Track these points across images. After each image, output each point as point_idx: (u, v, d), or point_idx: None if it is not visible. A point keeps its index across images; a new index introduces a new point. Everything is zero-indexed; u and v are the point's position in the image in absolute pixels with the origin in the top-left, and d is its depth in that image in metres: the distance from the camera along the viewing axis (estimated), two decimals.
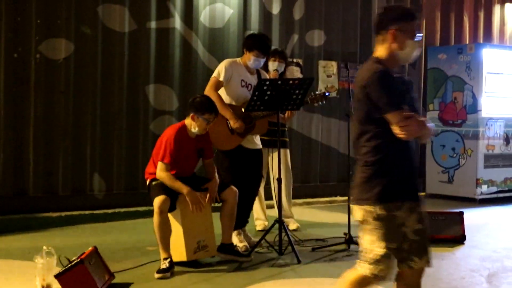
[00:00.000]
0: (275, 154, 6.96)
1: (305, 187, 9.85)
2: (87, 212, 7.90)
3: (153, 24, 8.54)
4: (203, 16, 8.93)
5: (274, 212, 6.83)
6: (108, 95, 8.27)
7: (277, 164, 6.38)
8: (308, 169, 9.96)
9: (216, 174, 5.78)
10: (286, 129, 7.44)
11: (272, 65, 7.07)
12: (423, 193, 10.82)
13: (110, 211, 8.03)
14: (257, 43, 6.25)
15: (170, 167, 5.45)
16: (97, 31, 8.16)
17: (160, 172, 5.45)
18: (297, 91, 6.03)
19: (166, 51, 8.64)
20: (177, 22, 8.72)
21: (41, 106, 7.82)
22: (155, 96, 8.59)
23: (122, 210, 8.08)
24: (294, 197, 9.32)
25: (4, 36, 7.58)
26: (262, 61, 6.36)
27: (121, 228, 7.39)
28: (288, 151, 7.46)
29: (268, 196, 7.56)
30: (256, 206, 7.22)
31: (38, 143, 7.82)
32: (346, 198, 9.63)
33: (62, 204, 7.92)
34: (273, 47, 7.77)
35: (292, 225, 7.31)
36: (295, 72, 9.57)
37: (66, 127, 8.01)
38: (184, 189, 5.41)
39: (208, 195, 5.60)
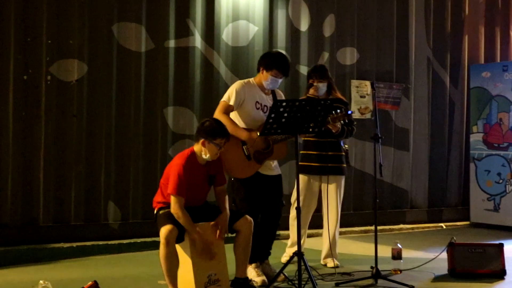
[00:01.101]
0: (329, 185, 6.71)
1: None
2: (100, 242, 7.62)
3: (171, 43, 8.25)
4: (226, 33, 8.60)
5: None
6: (124, 119, 8.01)
7: (332, 194, 6.58)
8: None
9: (227, 205, 5.43)
10: (343, 154, 6.87)
11: (313, 88, 6.62)
12: (467, 222, 10.31)
13: (125, 241, 7.75)
14: (276, 61, 5.88)
15: (183, 200, 5.15)
16: (112, 51, 7.91)
17: (176, 208, 5.14)
18: (316, 113, 5.56)
19: (186, 72, 8.34)
20: (198, 41, 8.41)
21: (52, 130, 7.60)
22: (174, 119, 8.29)
23: (139, 240, 7.80)
24: None
25: (13, 57, 7.40)
26: (280, 81, 5.98)
27: (136, 259, 7.12)
28: (342, 179, 6.88)
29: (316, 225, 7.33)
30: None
31: (49, 169, 7.58)
32: (383, 227, 9.29)
33: (74, 234, 7.68)
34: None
35: (330, 263, 6.75)
36: None
37: (79, 153, 7.76)
38: (194, 234, 5.14)
39: (217, 231, 5.31)
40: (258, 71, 5.97)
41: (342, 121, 6.16)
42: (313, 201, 6.80)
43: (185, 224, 5.10)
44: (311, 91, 6.61)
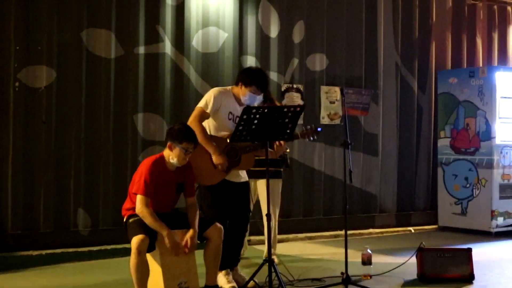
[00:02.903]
0: (260, 185, 6.78)
1: (307, 221, 9.38)
2: (70, 250, 7.53)
3: (141, 50, 8.20)
4: (196, 40, 8.56)
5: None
6: (94, 125, 7.93)
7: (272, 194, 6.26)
8: (311, 202, 9.49)
9: (197, 222, 5.33)
10: (278, 158, 6.93)
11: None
12: (435, 226, 10.37)
13: (95, 248, 7.67)
14: (255, 78, 5.85)
15: (149, 200, 5.10)
16: (81, 57, 7.83)
17: (141, 206, 5.08)
18: (286, 120, 5.54)
19: (155, 78, 8.28)
20: (168, 47, 8.36)
21: (20, 137, 7.51)
22: (144, 125, 8.23)
23: (109, 247, 7.73)
24: (296, 231, 9.03)
25: None
26: (257, 97, 5.94)
27: (106, 267, 7.03)
28: (279, 182, 7.01)
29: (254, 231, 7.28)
30: None
31: (17, 176, 7.49)
32: (353, 231, 9.32)
33: (44, 241, 7.57)
34: None
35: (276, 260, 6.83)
36: (295, 99, 9.14)
37: (48, 159, 7.66)
38: (163, 230, 5.05)
39: (185, 242, 5.20)
40: (237, 85, 5.91)
41: (312, 137, 6.09)
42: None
43: (151, 223, 5.03)
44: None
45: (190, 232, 5.22)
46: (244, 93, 5.85)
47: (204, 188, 5.84)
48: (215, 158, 5.65)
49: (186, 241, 5.16)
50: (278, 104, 6.94)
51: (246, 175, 6.08)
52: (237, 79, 5.97)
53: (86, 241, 7.78)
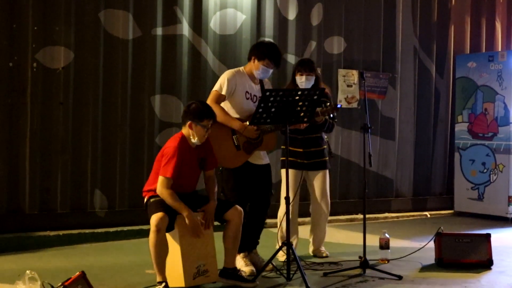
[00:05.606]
0: (316, 176, 6.65)
1: None
2: (87, 231, 7.55)
3: (159, 31, 8.16)
4: (213, 22, 8.52)
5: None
6: (111, 107, 7.92)
7: (320, 186, 6.52)
8: None
9: (215, 195, 5.37)
10: (325, 147, 6.75)
11: (300, 79, 6.48)
12: (451, 211, 10.32)
13: (112, 229, 7.68)
14: (268, 51, 5.81)
15: (172, 182, 5.08)
16: (99, 38, 7.80)
17: (161, 187, 5.09)
18: (306, 103, 5.56)
19: (173, 60, 8.25)
20: (185, 29, 8.32)
21: (38, 118, 7.50)
22: (161, 107, 8.21)
23: (125, 228, 7.73)
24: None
25: None
26: (271, 71, 5.92)
27: (123, 248, 7.05)
28: (327, 172, 6.80)
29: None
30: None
31: (34, 157, 7.49)
32: (369, 216, 9.28)
33: (60, 222, 7.59)
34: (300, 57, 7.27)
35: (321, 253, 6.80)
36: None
37: (65, 141, 7.67)
38: (184, 211, 5.05)
39: (203, 219, 5.23)
40: (249, 60, 5.89)
41: (331, 115, 6.10)
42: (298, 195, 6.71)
43: (172, 203, 5.04)
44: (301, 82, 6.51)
45: (210, 204, 5.26)
46: (257, 68, 5.83)
47: (227, 171, 5.83)
48: (244, 132, 5.64)
49: (207, 219, 5.19)
50: (323, 85, 6.64)
51: (267, 157, 6.07)
52: (249, 54, 5.93)
53: (102, 222, 7.80)
